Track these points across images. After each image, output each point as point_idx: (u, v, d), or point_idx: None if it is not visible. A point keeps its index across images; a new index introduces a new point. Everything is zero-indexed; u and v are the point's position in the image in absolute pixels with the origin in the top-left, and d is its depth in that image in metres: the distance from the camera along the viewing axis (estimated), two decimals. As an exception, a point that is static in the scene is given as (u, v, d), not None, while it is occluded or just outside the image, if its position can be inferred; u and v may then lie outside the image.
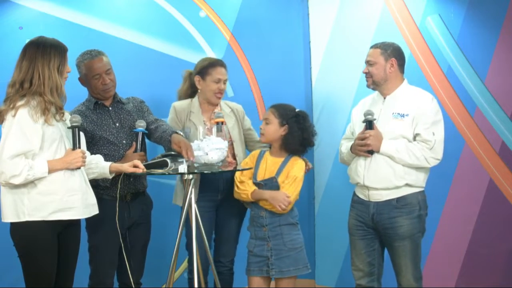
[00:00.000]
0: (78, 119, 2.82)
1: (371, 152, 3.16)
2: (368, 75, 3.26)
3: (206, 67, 3.47)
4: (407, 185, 3.16)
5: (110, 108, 3.34)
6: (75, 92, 3.11)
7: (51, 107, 2.73)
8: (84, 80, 3.30)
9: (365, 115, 3.18)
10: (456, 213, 3.89)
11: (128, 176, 3.21)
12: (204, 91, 3.47)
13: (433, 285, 3.42)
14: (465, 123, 3.86)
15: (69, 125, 2.83)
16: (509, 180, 3.79)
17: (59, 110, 2.79)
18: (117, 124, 3.32)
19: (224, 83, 3.46)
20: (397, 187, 3.15)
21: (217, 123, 3.12)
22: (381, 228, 3.19)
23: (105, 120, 3.30)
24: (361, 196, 3.27)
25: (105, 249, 3.22)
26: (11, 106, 2.70)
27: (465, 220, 3.88)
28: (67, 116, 2.88)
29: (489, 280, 3.83)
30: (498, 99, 3.79)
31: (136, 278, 3.35)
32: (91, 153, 3.18)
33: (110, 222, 3.13)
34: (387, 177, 3.15)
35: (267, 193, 3.17)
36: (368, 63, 3.26)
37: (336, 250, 4.21)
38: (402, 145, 3.13)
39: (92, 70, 3.24)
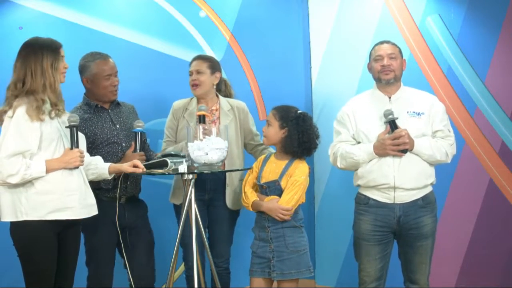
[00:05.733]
0: (76, 118, 2.81)
1: (404, 151, 3.07)
2: (390, 67, 3.15)
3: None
4: (431, 183, 3.15)
5: (110, 111, 3.35)
6: (72, 92, 3.11)
7: (43, 105, 2.72)
8: (91, 80, 3.27)
9: (386, 115, 3.08)
10: (456, 213, 3.89)
11: (126, 178, 3.22)
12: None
13: (433, 285, 3.41)
14: (465, 123, 3.86)
15: (67, 124, 2.82)
16: (509, 180, 3.79)
17: (54, 106, 2.77)
18: (117, 126, 3.32)
19: (198, 73, 3.44)
20: (425, 186, 3.12)
21: (199, 116, 3.11)
22: (405, 230, 3.12)
23: (106, 122, 3.31)
24: (382, 199, 3.13)
25: (104, 249, 3.22)
26: (8, 107, 2.72)
27: (465, 220, 3.88)
28: (66, 115, 2.87)
29: (489, 280, 3.83)
30: (498, 99, 3.79)
31: (148, 283, 3.34)
32: (92, 155, 3.19)
33: (107, 222, 3.15)
34: (418, 177, 3.09)
35: (263, 206, 3.15)
36: (389, 56, 3.16)
37: (336, 250, 4.20)
38: (432, 142, 3.11)
39: (104, 70, 3.25)
